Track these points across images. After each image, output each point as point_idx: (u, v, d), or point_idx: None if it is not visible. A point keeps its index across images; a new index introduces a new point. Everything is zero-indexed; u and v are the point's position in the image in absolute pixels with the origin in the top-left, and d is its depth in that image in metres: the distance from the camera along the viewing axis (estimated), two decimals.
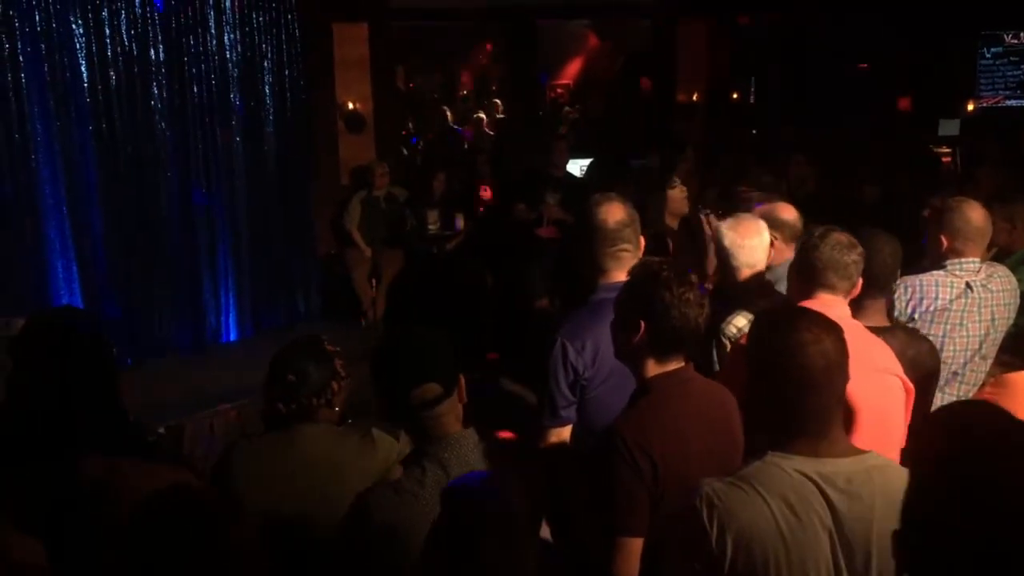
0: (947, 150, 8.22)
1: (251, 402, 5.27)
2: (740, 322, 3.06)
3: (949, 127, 8.52)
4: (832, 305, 2.68)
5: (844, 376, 1.87)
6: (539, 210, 7.13)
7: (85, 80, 5.83)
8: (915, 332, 3.11)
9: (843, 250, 2.73)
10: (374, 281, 7.71)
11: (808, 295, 2.74)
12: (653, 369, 2.22)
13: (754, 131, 10.97)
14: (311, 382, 2.44)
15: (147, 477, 1.95)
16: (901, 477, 1.82)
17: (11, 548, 1.77)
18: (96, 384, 2.11)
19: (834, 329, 1.88)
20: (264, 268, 7.10)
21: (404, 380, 2.05)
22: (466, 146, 12.54)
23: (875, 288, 3.00)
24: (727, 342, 3.02)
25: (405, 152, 11.04)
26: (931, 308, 3.29)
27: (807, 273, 2.76)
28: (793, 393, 1.84)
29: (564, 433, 2.72)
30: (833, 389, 1.85)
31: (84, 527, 1.87)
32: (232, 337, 6.91)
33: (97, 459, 1.95)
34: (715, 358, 3.05)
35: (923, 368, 3.01)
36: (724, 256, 3.24)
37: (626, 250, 2.85)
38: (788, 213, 3.60)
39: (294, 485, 2.39)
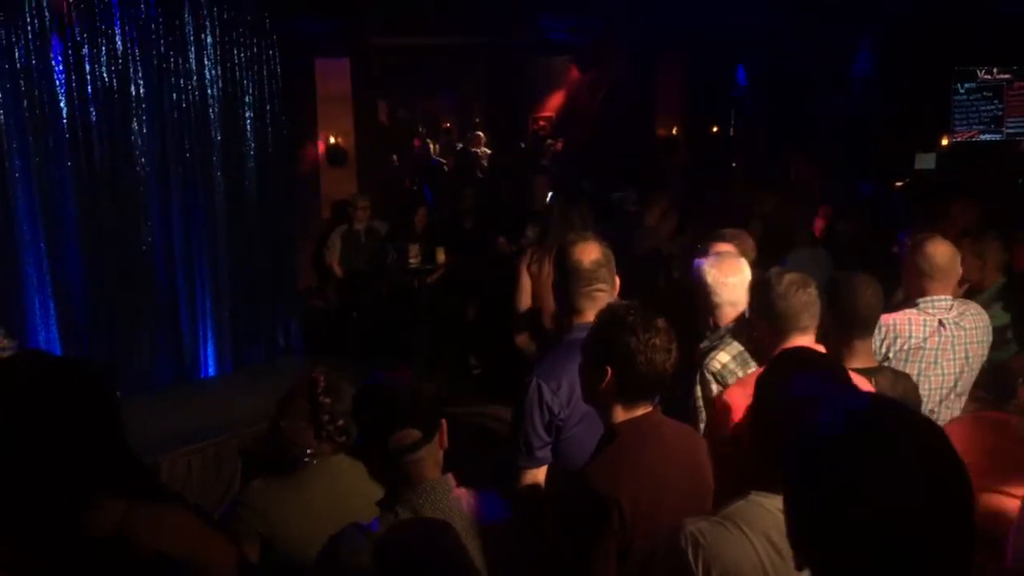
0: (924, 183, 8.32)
1: (229, 439, 5.24)
2: (723, 358, 3.06)
3: (925, 161, 8.63)
4: (809, 346, 2.70)
5: None
6: (519, 243, 7.16)
7: (64, 116, 5.80)
8: (899, 371, 3.14)
9: (805, 289, 2.75)
10: (355, 315, 7.69)
11: (783, 339, 2.74)
12: (621, 415, 2.21)
13: (734, 164, 11.08)
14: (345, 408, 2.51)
15: (156, 521, 1.92)
16: None
17: None
18: (94, 424, 2.04)
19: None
20: (244, 302, 7.05)
21: (383, 425, 2.03)
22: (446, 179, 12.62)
23: (861, 328, 3.03)
24: (711, 377, 3.02)
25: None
26: (905, 347, 3.31)
27: (780, 320, 2.75)
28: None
29: (540, 475, 2.70)
30: None
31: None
32: (211, 372, 6.85)
33: (109, 503, 1.90)
34: (698, 393, 3.04)
35: (910, 405, 3.03)
36: (706, 294, 3.24)
37: (602, 290, 2.85)
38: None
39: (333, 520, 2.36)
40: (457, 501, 2.05)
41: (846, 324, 2.99)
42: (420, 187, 12.07)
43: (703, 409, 3.02)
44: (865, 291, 3.03)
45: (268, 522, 2.51)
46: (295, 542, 2.46)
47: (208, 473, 5.16)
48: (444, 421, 2.10)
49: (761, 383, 2.02)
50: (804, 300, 2.74)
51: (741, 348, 3.05)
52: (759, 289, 2.86)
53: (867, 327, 3.04)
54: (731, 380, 3.03)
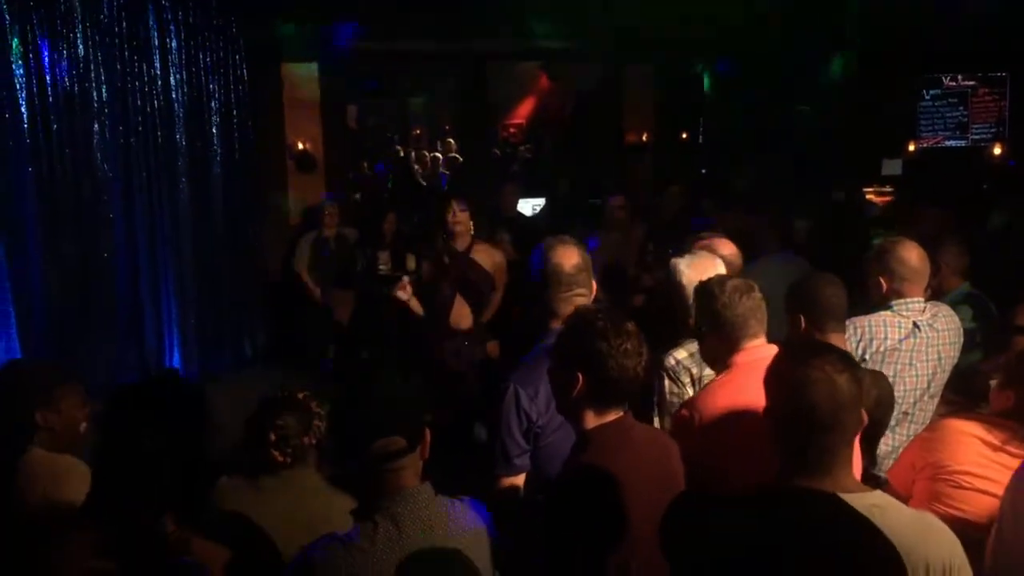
0: (889, 189, 8.41)
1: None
2: (680, 354, 3.06)
3: (892, 167, 8.72)
4: (764, 349, 2.64)
5: (856, 417, 1.85)
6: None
7: (25, 121, 5.69)
8: (877, 372, 3.13)
9: (750, 295, 2.69)
10: (324, 323, 7.59)
11: (735, 348, 2.69)
12: (592, 421, 2.17)
13: (703, 170, 11.13)
14: (297, 426, 2.62)
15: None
16: (902, 515, 1.85)
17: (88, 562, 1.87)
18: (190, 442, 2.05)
19: (849, 368, 1.86)
20: (210, 311, 6.96)
21: (367, 431, 1.97)
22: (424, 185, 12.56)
23: (834, 321, 3.03)
24: (663, 373, 3.02)
25: (357, 196, 10.96)
26: (881, 348, 3.32)
27: (728, 329, 2.67)
28: (800, 430, 1.83)
29: (517, 482, 2.66)
30: (842, 429, 1.83)
31: None
32: None
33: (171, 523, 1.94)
34: (655, 389, 3.05)
35: (886, 406, 3.04)
36: (682, 294, 3.21)
37: (581, 295, 2.82)
38: (726, 248, 3.60)
39: (288, 529, 2.44)
40: (439, 509, 2.01)
41: (819, 320, 3.00)
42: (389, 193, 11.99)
43: (657, 405, 3.03)
44: (825, 288, 3.05)
45: (238, 521, 2.50)
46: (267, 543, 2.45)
47: None
48: (428, 431, 2.05)
49: (777, 373, 1.96)
50: (750, 306, 2.67)
51: None
52: (702, 299, 2.77)
53: (840, 320, 3.05)
54: (684, 377, 3.03)
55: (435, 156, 13.96)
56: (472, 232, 4.95)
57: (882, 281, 3.43)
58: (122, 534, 1.87)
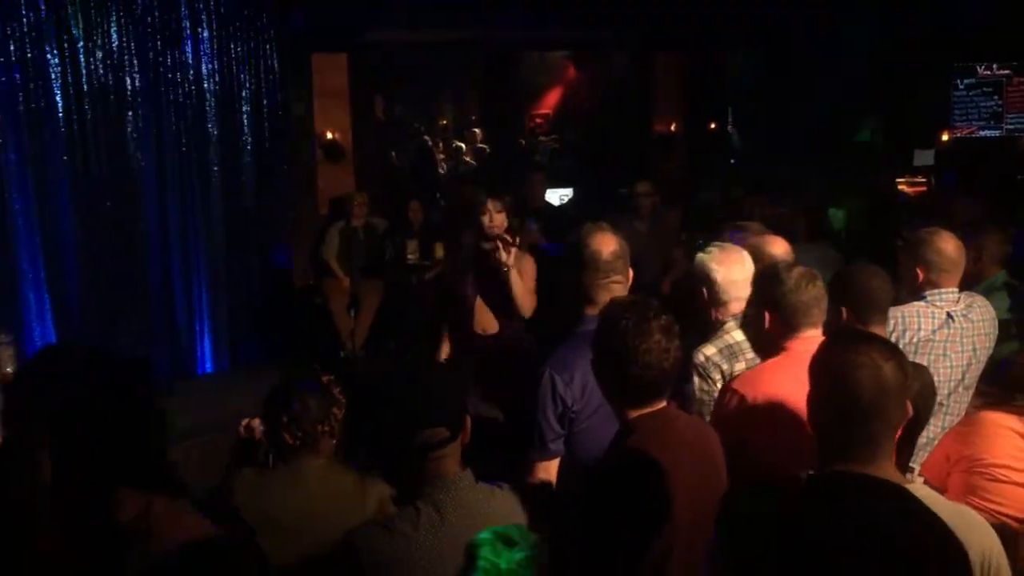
0: (922, 179, 8.33)
1: (224, 436, 5.18)
2: (709, 350, 3.03)
3: (924, 157, 8.62)
4: (817, 340, 2.64)
5: (900, 406, 1.80)
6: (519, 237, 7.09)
7: (59, 110, 5.77)
8: (919, 364, 3.10)
9: (814, 283, 2.72)
10: (353, 312, 7.64)
11: (793, 334, 2.70)
12: (632, 412, 2.18)
13: (732, 160, 11.06)
14: (315, 410, 2.55)
15: (175, 523, 1.93)
16: (942, 508, 1.83)
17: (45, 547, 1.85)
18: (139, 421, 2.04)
19: (895, 356, 1.83)
20: (241, 299, 7.01)
21: (412, 421, 1.99)
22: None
23: (879, 314, 3.02)
24: (692, 371, 3.00)
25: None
26: (915, 340, 3.29)
27: (790, 314, 2.70)
28: (844, 417, 1.79)
29: (552, 467, 2.67)
30: (886, 418, 1.78)
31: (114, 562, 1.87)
32: (208, 368, 6.81)
33: (134, 496, 1.90)
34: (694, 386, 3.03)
35: (927, 399, 3.02)
36: (714, 289, 3.20)
37: (618, 281, 2.83)
38: (779, 247, 3.56)
39: (296, 521, 2.45)
40: (480, 496, 2.03)
41: (863, 311, 2.97)
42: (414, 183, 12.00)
43: (690, 400, 3.01)
44: (871, 279, 3.03)
45: (249, 512, 2.49)
46: (276, 536, 2.42)
47: (207, 467, 5.11)
48: (468, 419, 2.07)
49: (821, 359, 1.93)
50: (814, 294, 2.71)
51: (731, 341, 3.01)
52: (767, 283, 2.80)
53: (883, 313, 3.03)
54: (714, 373, 3.00)
55: (458, 146, 13.95)
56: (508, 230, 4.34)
57: (919, 272, 3.40)
58: (75, 519, 1.85)
